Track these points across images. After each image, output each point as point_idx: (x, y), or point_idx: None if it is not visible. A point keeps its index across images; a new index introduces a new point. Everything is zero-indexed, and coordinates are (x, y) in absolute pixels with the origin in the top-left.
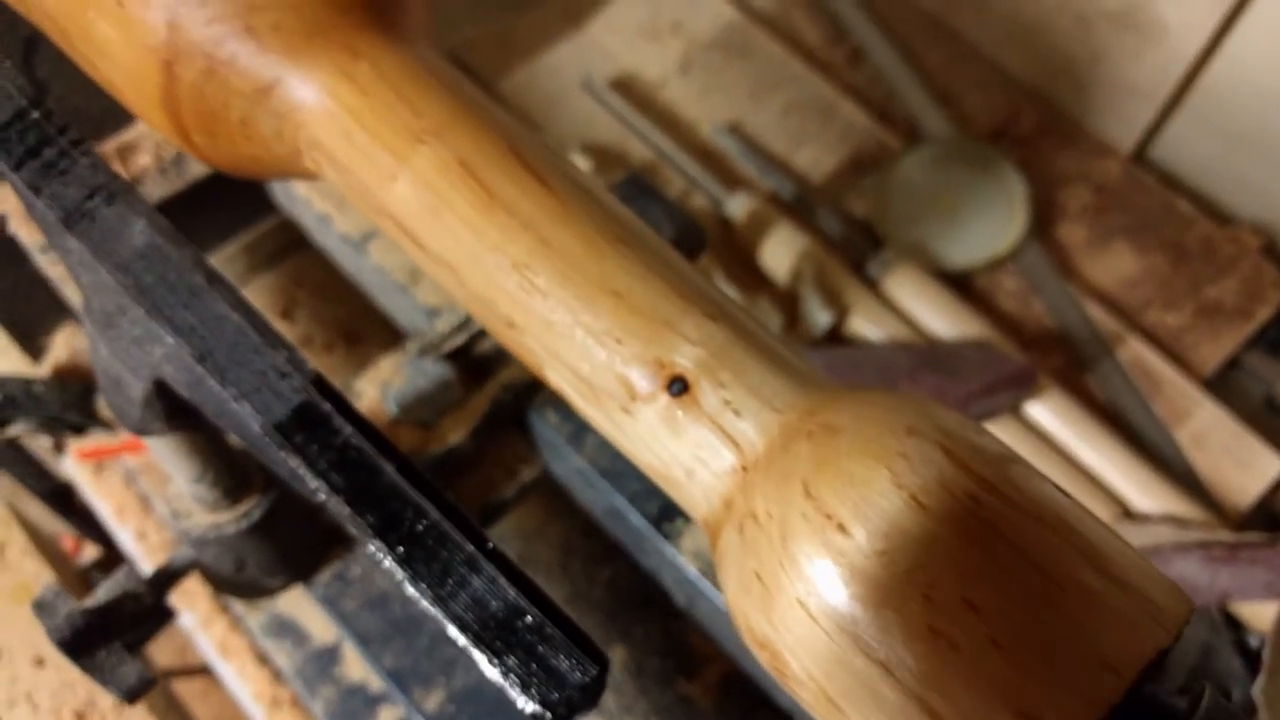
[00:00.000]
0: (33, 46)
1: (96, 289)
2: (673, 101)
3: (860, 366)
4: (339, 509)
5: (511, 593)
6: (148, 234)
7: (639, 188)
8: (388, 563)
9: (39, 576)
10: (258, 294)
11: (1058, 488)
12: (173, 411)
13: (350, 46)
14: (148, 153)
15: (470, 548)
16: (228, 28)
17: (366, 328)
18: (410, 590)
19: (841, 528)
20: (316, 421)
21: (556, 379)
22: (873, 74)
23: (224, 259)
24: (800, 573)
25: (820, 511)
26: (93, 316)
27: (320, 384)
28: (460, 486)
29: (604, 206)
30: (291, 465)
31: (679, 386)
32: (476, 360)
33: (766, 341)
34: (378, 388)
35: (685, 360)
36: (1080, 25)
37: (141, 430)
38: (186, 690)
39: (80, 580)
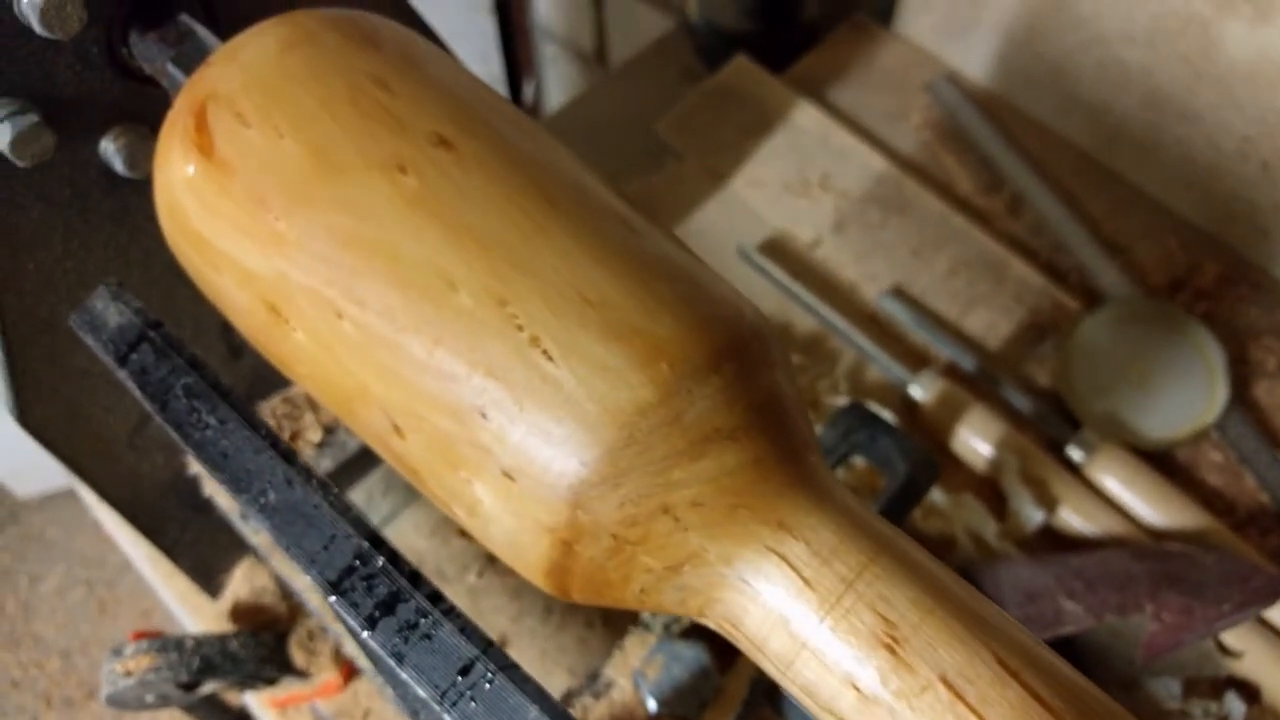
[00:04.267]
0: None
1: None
2: (828, 261)
3: (1095, 584)
4: None
5: None
6: None
7: (861, 418)
8: None
9: None
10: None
11: None
12: None
13: (778, 519)
14: None
15: None
16: (643, 508)
17: None
18: None
19: None
20: None
21: None
22: (1034, 222)
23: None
24: None
25: None
26: None
27: None
28: None
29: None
30: None
31: None
32: None
33: None
34: (628, 677)
35: None
36: (1265, 172)
37: None
38: None
39: None
